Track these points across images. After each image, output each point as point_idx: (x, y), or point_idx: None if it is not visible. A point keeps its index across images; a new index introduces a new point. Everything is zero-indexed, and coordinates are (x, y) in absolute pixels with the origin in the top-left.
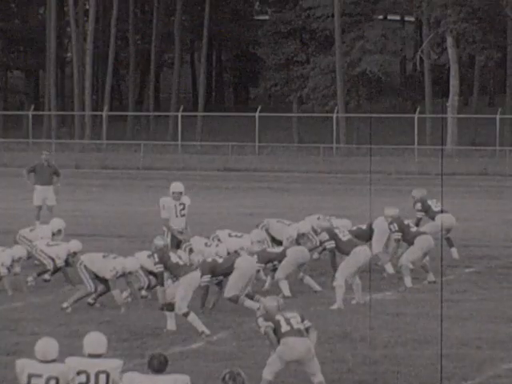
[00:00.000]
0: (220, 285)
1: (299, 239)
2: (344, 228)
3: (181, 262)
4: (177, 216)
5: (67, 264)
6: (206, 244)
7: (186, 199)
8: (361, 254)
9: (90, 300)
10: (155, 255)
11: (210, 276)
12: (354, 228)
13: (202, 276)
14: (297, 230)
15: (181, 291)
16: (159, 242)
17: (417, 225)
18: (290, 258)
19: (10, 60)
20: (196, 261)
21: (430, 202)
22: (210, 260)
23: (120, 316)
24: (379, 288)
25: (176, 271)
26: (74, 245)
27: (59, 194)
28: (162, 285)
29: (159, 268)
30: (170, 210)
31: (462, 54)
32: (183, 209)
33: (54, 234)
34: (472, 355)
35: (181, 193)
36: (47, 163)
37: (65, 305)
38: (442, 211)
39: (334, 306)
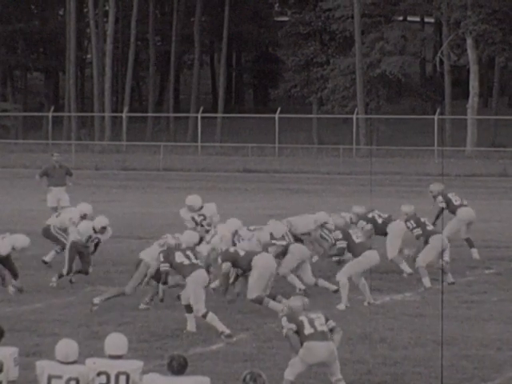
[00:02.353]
0: (246, 277)
1: (317, 231)
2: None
3: (186, 262)
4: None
5: (95, 249)
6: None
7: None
8: (371, 257)
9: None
10: (161, 254)
11: (230, 264)
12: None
13: (222, 263)
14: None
15: (192, 294)
16: (171, 241)
17: (438, 217)
18: (293, 254)
19: (29, 61)
20: (219, 248)
21: (450, 196)
22: (232, 250)
23: (140, 317)
24: (399, 289)
25: (181, 271)
26: (99, 221)
27: (75, 193)
28: (165, 283)
29: (164, 267)
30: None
31: (482, 55)
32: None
33: (81, 218)
34: (492, 356)
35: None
36: (58, 164)
37: (96, 300)
38: (461, 205)
39: (341, 306)
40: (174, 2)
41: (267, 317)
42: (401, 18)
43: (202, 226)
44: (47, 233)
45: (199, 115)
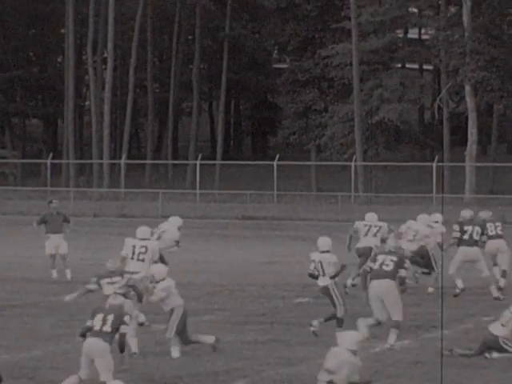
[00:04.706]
0: None
1: None
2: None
3: None
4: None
5: None
6: None
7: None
8: (373, 288)
9: None
10: None
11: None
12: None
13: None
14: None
15: None
16: None
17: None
18: None
19: (28, 108)
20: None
21: (466, 227)
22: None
23: (138, 364)
24: (397, 336)
25: None
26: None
27: (74, 241)
28: None
29: None
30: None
31: (481, 102)
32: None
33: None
34: None
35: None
36: (56, 211)
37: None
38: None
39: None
40: (172, 50)
41: (266, 364)
42: (399, 65)
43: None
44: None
45: (198, 162)
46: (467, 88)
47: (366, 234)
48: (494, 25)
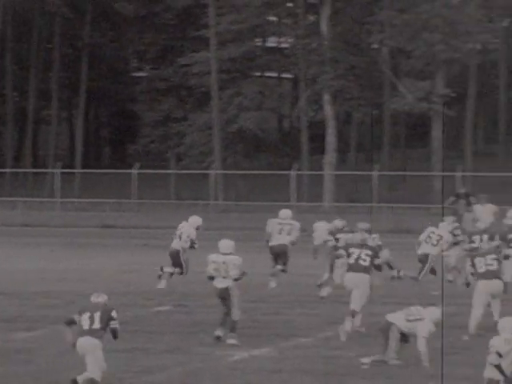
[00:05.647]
0: None
1: None
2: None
3: None
4: None
5: None
6: None
7: None
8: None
9: None
10: None
11: None
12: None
13: None
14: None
15: None
16: None
17: None
18: None
19: None
20: None
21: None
22: None
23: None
24: (256, 345)
25: None
26: None
27: None
28: None
29: None
30: None
31: (339, 110)
32: None
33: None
34: None
35: None
36: None
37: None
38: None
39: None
40: (31, 57)
41: (127, 373)
42: (258, 74)
43: None
44: (176, 256)
45: (57, 171)
46: (326, 96)
47: (280, 233)
48: (352, 33)
